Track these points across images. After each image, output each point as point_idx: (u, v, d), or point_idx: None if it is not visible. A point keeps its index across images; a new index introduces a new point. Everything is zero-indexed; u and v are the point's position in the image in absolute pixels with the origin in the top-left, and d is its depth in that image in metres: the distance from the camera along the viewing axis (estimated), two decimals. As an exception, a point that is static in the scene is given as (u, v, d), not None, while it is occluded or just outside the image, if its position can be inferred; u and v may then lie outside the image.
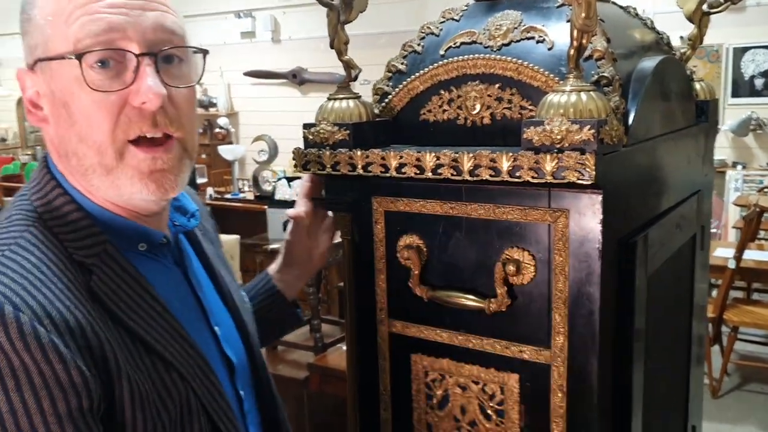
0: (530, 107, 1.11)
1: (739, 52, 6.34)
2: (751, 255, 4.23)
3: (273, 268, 1.32)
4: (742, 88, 6.37)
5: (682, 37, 1.52)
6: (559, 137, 0.96)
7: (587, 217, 1.01)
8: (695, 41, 1.49)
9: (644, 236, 1.13)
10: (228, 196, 6.22)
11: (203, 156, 7.81)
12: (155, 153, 0.81)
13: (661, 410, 1.40)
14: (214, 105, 8.21)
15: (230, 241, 4.09)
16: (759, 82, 6.34)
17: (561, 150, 0.96)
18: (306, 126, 1.18)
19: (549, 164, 0.96)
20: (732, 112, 6.33)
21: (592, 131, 0.94)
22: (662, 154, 1.27)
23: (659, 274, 1.26)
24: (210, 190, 6.48)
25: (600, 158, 0.94)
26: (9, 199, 7.49)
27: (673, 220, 1.32)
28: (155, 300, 0.82)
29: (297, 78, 7.49)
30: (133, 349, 0.78)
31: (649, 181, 1.23)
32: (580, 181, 0.95)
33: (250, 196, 6.02)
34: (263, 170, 5.89)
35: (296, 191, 4.96)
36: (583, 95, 0.96)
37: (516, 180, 1.00)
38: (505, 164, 1.00)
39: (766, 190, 5.83)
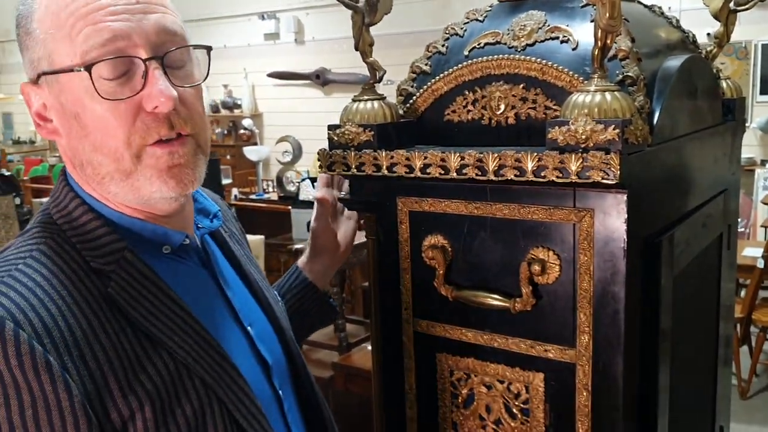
0: (555, 107, 1.11)
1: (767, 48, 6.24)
2: (780, 254, 4.17)
3: (302, 260, 1.34)
4: (770, 85, 6.28)
5: (709, 34, 1.51)
6: (583, 137, 0.96)
7: (612, 217, 1.01)
8: (722, 39, 1.48)
9: (670, 236, 1.13)
10: (253, 196, 6.28)
11: (228, 157, 7.88)
12: (172, 148, 0.81)
13: (688, 410, 1.39)
14: (238, 106, 8.27)
15: (255, 241, 4.12)
16: (787, 80, 6.25)
17: (586, 150, 0.96)
18: (331, 127, 1.19)
19: (574, 164, 0.96)
20: (761, 109, 6.25)
21: (617, 131, 0.94)
22: (688, 154, 1.27)
23: (685, 274, 1.25)
24: (235, 191, 6.53)
25: (625, 158, 0.95)
26: (37, 200, 7.62)
27: (700, 220, 1.32)
28: (176, 304, 0.81)
29: (320, 79, 7.52)
30: (153, 356, 0.77)
31: (674, 181, 1.23)
32: (604, 181, 0.95)
33: (274, 196, 6.07)
34: (287, 171, 5.93)
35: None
36: (608, 95, 0.97)
37: (541, 180, 1.01)
38: (529, 164, 1.01)
39: (795, 188, 5.75)
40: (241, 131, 8.11)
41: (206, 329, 0.83)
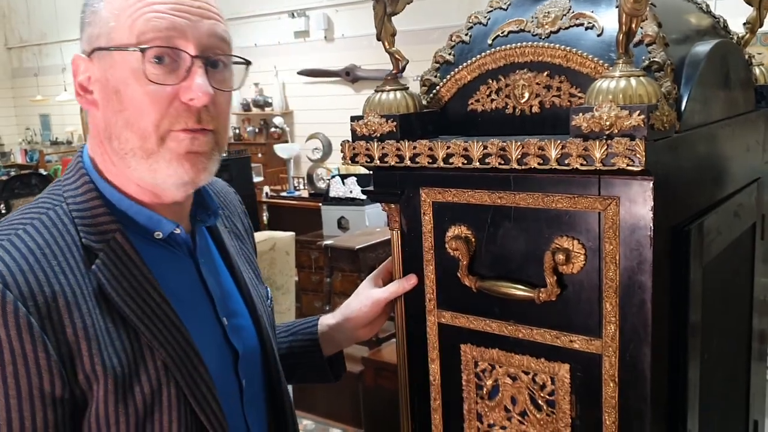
0: (579, 94, 1.09)
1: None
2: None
3: (327, 318, 1.31)
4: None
5: (746, 24, 1.47)
6: (608, 123, 0.94)
7: (638, 205, 0.99)
8: (755, 24, 1.44)
9: (699, 224, 1.10)
10: (283, 194, 6.32)
11: (259, 155, 7.94)
12: (194, 135, 0.88)
13: (720, 404, 1.36)
14: (269, 104, 8.32)
15: (285, 238, 4.15)
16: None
17: (610, 136, 0.95)
18: (354, 118, 1.19)
19: (598, 151, 0.95)
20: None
21: (642, 117, 0.92)
22: (719, 140, 1.24)
23: (716, 265, 1.23)
24: (266, 189, 6.58)
25: (650, 144, 0.93)
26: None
27: (731, 209, 1.29)
28: (155, 290, 0.87)
29: (350, 75, 7.53)
30: (122, 334, 0.82)
31: (704, 168, 1.20)
32: (630, 168, 0.93)
33: (305, 193, 6.11)
34: (317, 168, 5.96)
35: (350, 189, 5.01)
36: (633, 80, 0.95)
37: (565, 168, 0.99)
38: (553, 152, 0.99)
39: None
40: (272, 129, 8.16)
41: (178, 316, 0.88)
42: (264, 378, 1.05)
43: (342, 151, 1.20)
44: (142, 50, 0.82)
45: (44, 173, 6.25)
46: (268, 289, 1.16)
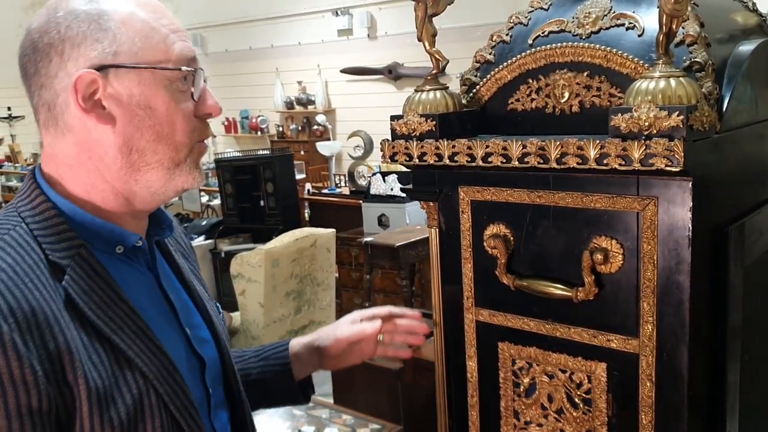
0: (619, 95, 1.10)
1: None
2: None
3: (297, 342, 1.30)
4: None
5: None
6: (647, 124, 0.95)
7: (676, 205, 0.99)
8: (802, 23, 1.42)
9: (739, 225, 1.10)
10: (325, 191, 6.38)
11: (302, 152, 8.02)
12: (204, 147, 0.95)
13: (762, 406, 1.34)
14: (312, 102, 8.39)
15: (326, 234, 4.19)
16: None
17: (649, 137, 0.95)
18: (393, 117, 1.21)
19: (637, 151, 0.95)
20: None
21: (681, 117, 0.92)
22: (762, 141, 1.23)
23: (758, 267, 1.21)
24: (308, 186, 6.65)
25: (689, 145, 0.93)
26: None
27: (775, 210, 1.27)
28: (124, 302, 0.87)
29: (392, 73, 7.56)
30: (98, 347, 0.82)
31: (746, 169, 1.19)
32: (668, 168, 0.94)
33: (346, 191, 6.15)
34: (359, 165, 6.00)
35: (391, 187, 5.03)
36: (673, 81, 0.95)
37: (603, 168, 1.00)
38: (592, 152, 1.00)
39: None
40: (315, 127, 8.23)
41: (149, 327, 0.89)
42: (224, 387, 1.07)
43: (382, 150, 1.22)
44: (180, 71, 0.88)
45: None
46: (218, 304, 1.18)
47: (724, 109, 1.05)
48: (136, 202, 0.91)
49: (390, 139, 1.22)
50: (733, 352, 1.12)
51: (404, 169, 1.23)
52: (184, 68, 0.88)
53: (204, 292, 1.09)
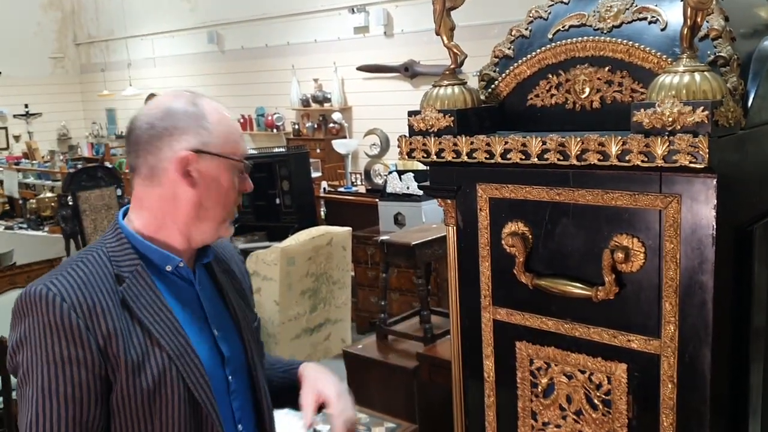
0: (641, 90, 1.07)
1: None
2: None
3: (301, 370, 1.47)
4: None
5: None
6: (670, 119, 0.93)
7: (700, 203, 0.97)
8: (829, 18, 1.38)
9: (764, 224, 1.07)
10: (341, 189, 6.36)
11: (318, 150, 8.01)
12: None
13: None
14: (328, 100, 8.38)
15: (342, 233, 4.18)
16: None
17: (672, 133, 0.93)
18: (411, 113, 1.20)
19: (660, 148, 0.93)
20: None
21: (706, 113, 0.90)
22: (787, 139, 1.20)
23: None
24: (324, 184, 6.64)
25: (714, 141, 0.91)
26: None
27: (800, 209, 1.24)
28: (163, 304, 1.20)
29: (409, 71, 7.52)
30: (138, 332, 1.17)
31: (771, 167, 1.17)
32: (692, 165, 0.91)
33: (362, 189, 6.13)
34: (375, 164, 5.98)
35: (407, 185, 5.01)
36: (697, 76, 0.93)
37: (625, 164, 0.98)
38: (613, 148, 0.98)
39: None
40: (331, 125, 8.22)
41: (180, 323, 1.21)
42: (247, 378, 1.33)
43: (399, 147, 1.21)
44: (241, 162, 1.24)
45: (109, 166, 6.44)
46: (258, 315, 1.48)
47: (749, 105, 1.02)
48: (192, 242, 1.25)
49: (407, 135, 1.21)
50: (756, 353, 1.10)
51: (421, 167, 1.22)
52: (244, 162, 1.25)
53: (242, 305, 1.37)
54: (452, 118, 1.15)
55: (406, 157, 1.19)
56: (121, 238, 1.22)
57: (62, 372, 1.11)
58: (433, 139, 1.17)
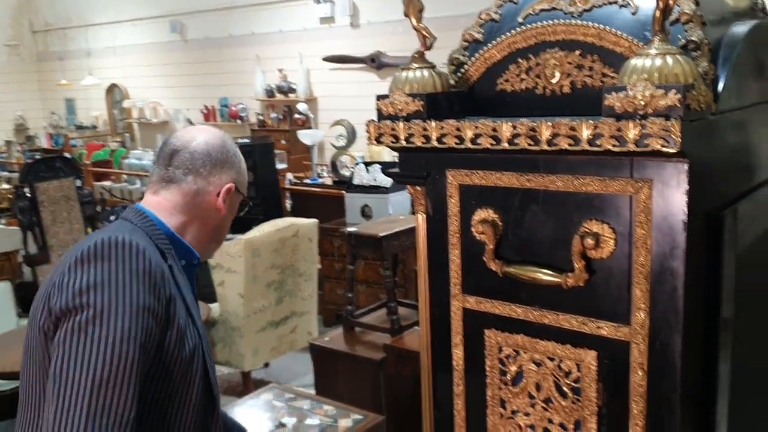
0: (612, 75, 1.06)
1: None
2: None
3: None
4: None
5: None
6: (642, 103, 0.92)
7: (672, 188, 0.96)
8: (793, 7, 1.39)
9: (733, 210, 1.07)
10: (307, 181, 6.31)
11: (283, 141, 7.93)
12: None
13: (754, 398, 1.33)
14: (293, 90, 8.29)
15: (308, 224, 4.14)
16: None
17: (644, 116, 0.92)
18: (380, 97, 1.17)
19: (631, 131, 0.92)
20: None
21: (678, 96, 0.89)
22: (755, 125, 1.20)
23: (751, 255, 1.19)
24: (289, 176, 6.58)
25: (686, 125, 0.90)
26: (98, 183, 7.82)
27: (766, 196, 1.25)
28: (191, 290, 1.35)
29: (375, 62, 7.48)
30: (181, 304, 1.26)
31: (740, 153, 1.17)
32: (664, 149, 0.90)
33: (328, 181, 6.08)
34: (341, 155, 5.94)
35: (374, 177, 4.99)
36: (669, 59, 0.92)
37: (596, 149, 0.97)
38: (585, 132, 0.97)
39: None
40: (296, 116, 8.14)
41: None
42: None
43: (367, 131, 1.18)
44: (245, 197, 1.47)
45: (69, 157, 6.28)
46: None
47: (720, 90, 1.02)
48: (202, 253, 1.42)
49: (376, 119, 1.18)
50: (725, 341, 1.10)
51: (389, 158, 1.20)
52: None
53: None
54: (422, 103, 1.13)
55: (375, 142, 1.17)
56: (153, 224, 1.33)
57: (141, 319, 1.14)
58: (402, 123, 1.14)
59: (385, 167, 4.99)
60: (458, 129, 1.09)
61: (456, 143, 1.10)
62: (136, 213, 1.36)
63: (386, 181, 4.87)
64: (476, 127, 1.07)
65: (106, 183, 8.21)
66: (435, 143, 1.12)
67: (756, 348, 1.30)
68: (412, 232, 1.10)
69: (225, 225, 1.44)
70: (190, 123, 8.66)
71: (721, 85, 1.02)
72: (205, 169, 1.37)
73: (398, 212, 4.66)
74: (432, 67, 1.17)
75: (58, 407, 1.07)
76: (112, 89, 10.49)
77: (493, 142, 1.06)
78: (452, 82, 1.20)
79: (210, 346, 1.45)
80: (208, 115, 9.15)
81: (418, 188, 1.21)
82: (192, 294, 1.36)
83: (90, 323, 1.11)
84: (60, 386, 1.08)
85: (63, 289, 1.14)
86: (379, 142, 1.17)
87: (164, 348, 1.19)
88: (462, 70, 1.20)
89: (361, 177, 5.07)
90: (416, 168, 1.20)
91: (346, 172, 5.66)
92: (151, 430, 1.20)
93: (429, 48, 1.16)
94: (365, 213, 4.97)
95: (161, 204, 1.37)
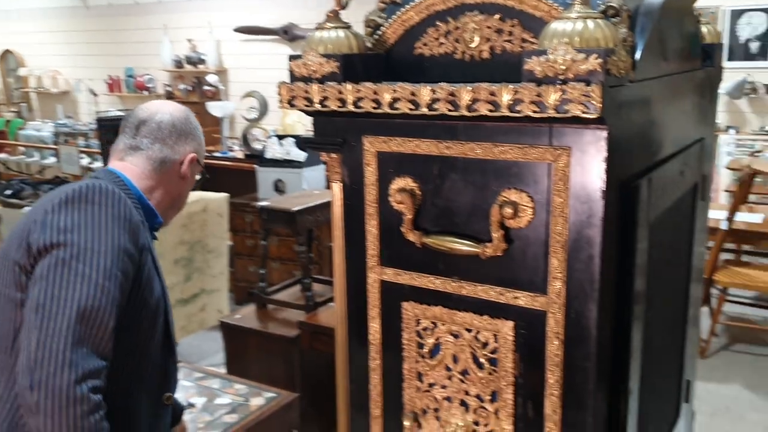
0: (532, 40, 1.04)
1: (736, 14, 6.23)
2: (742, 217, 4.20)
3: None
4: (737, 51, 6.27)
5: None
6: (563, 67, 0.90)
7: (590, 155, 0.95)
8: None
9: (648, 179, 1.07)
10: (217, 154, 6.12)
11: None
12: None
13: (659, 364, 1.36)
14: (203, 61, 8.03)
15: (218, 199, 4.01)
16: (754, 46, 6.25)
17: (565, 81, 0.90)
18: (292, 57, 1.11)
19: (552, 96, 0.90)
20: (728, 75, 6.24)
21: (599, 60, 0.88)
22: (668, 95, 1.22)
23: (660, 226, 1.21)
24: (202, 167, 6.37)
25: (606, 91, 0.88)
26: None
27: (677, 167, 1.27)
28: (154, 248, 1.40)
29: (288, 34, 7.33)
30: (151, 260, 1.35)
31: (653, 123, 1.18)
32: (584, 115, 0.89)
33: (239, 154, 5.92)
34: (253, 128, 5.79)
35: (287, 150, 4.88)
36: (590, 23, 0.90)
37: (516, 115, 0.94)
38: (504, 98, 0.94)
39: (757, 153, 5.79)
40: (206, 87, 7.89)
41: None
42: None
43: (278, 93, 1.12)
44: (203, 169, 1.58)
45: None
46: None
47: (637, 57, 1.01)
48: (164, 218, 1.50)
49: (288, 81, 1.12)
50: (638, 310, 1.11)
51: (302, 131, 1.14)
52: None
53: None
54: (337, 64, 1.07)
55: (287, 105, 1.10)
56: (124, 184, 1.39)
57: (120, 260, 1.21)
58: (315, 86, 1.09)
59: (300, 142, 4.90)
60: (375, 93, 1.04)
61: (373, 108, 1.05)
62: (107, 173, 1.42)
63: (300, 156, 4.78)
64: (394, 91, 1.03)
65: (1, 155, 7.72)
66: (351, 107, 1.07)
67: (656, 316, 1.32)
68: (327, 206, 1.11)
69: (185, 193, 1.53)
70: (93, 94, 8.25)
71: (638, 53, 1.02)
72: (171, 138, 1.47)
73: (313, 187, 4.59)
74: (347, 27, 1.11)
75: (41, 336, 1.12)
76: (5, 56, 9.85)
77: (412, 107, 1.02)
78: (369, 45, 1.15)
79: None
80: (113, 86, 8.75)
81: (333, 155, 1.16)
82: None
83: (74, 258, 1.17)
84: (42, 316, 1.13)
85: (46, 227, 1.20)
86: (291, 105, 1.11)
87: (138, 291, 1.28)
88: (379, 33, 1.16)
89: (274, 151, 4.96)
90: (331, 134, 1.15)
91: (258, 146, 5.53)
92: (122, 364, 1.27)
93: (344, 7, 1.11)
94: (278, 188, 4.87)
95: (129, 169, 1.44)
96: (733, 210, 3.98)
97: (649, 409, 1.30)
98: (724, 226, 3.94)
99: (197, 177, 1.56)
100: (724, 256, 4.56)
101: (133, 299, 1.27)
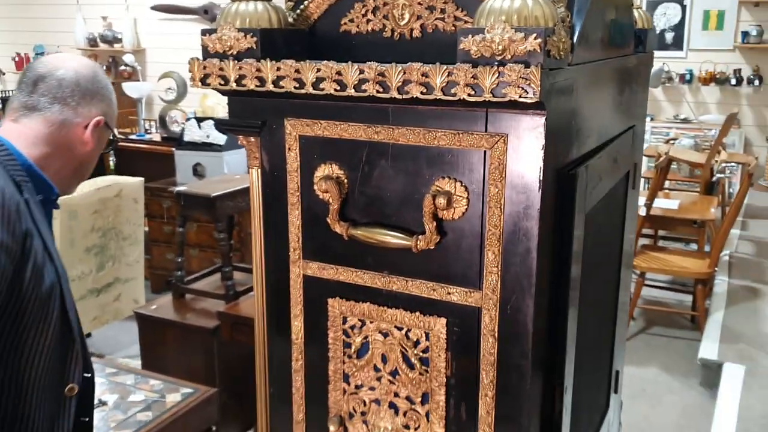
0: (466, 19, 0.98)
1: (652, 5, 6.40)
2: (659, 203, 4.32)
3: None
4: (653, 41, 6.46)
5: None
6: (500, 48, 0.83)
7: (527, 143, 0.89)
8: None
9: (585, 167, 1.03)
10: (133, 137, 5.85)
11: (107, 95, 7.33)
12: None
13: (591, 354, 1.33)
14: (119, 41, 7.67)
15: (133, 184, 3.81)
16: (669, 36, 6.44)
17: (502, 63, 0.83)
18: (205, 32, 1.01)
19: (488, 78, 0.83)
20: (646, 64, 6.40)
21: (539, 41, 0.81)
22: (603, 81, 1.18)
23: (595, 214, 1.17)
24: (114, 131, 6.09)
25: (545, 73, 0.83)
26: None
27: (611, 154, 1.23)
28: (49, 226, 1.27)
29: (209, 14, 7.08)
30: (38, 240, 1.21)
31: (588, 109, 1.13)
32: (522, 99, 0.83)
33: (157, 137, 5.68)
34: (171, 110, 5.56)
35: (207, 133, 4.70)
36: (529, 0, 0.84)
37: (450, 98, 0.87)
38: (438, 79, 0.87)
39: (672, 141, 5.98)
40: (122, 68, 7.55)
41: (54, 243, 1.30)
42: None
43: (190, 71, 1.01)
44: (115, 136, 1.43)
45: None
46: None
47: (575, 39, 0.96)
48: (63, 189, 1.36)
49: (201, 57, 1.01)
50: (573, 302, 1.07)
51: (223, 114, 1.04)
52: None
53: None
54: (255, 39, 0.97)
55: (199, 84, 1.00)
56: (9, 154, 1.25)
57: None
58: (231, 62, 0.99)
59: (220, 124, 4.73)
60: (298, 71, 0.95)
61: (295, 87, 0.96)
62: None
63: (221, 139, 4.61)
64: (318, 70, 0.94)
65: None
66: (271, 87, 0.97)
67: (589, 305, 1.29)
68: (248, 192, 1.01)
69: (90, 160, 1.38)
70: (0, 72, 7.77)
71: (576, 35, 0.97)
72: (73, 99, 1.31)
73: (234, 172, 4.44)
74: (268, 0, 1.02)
75: None
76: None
77: (338, 88, 0.94)
78: (291, 20, 1.06)
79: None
80: (21, 63, 8.26)
81: (251, 139, 1.07)
82: (49, 230, 1.29)
83: None
84: None
85: None
86: (204, 84, 1.01)
87: (19, 284, 1.16)
88: (301, 7, 1.06)
89: (193, 133, 4.77)
90: (249, 116, 1.05)
91: (176, 128, 5.31)
92: (4, 367, 1.18)
93: (264, -24, 1.01)
94: (198, 172, 4.69)
95: (22, 132, 1.29)
96: (652, 196, 4.07)
97: (581, 401, 1.27)
98: (642, 212, 4.03)
99: (108, 141, 1.40)
100: (642, 241, 4.68)
101: (17, 292, 1.15)
